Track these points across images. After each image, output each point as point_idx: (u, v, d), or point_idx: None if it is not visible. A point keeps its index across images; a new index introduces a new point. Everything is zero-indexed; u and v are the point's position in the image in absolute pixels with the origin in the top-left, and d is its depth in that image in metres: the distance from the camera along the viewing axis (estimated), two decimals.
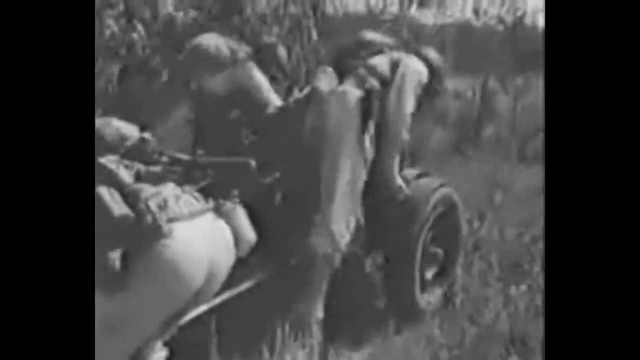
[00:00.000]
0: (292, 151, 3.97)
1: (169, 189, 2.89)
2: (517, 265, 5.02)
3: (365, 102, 4.04)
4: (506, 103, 9.88)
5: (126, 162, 2.91)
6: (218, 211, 3.04)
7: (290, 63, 4.67)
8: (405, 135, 4.16)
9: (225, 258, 3.00)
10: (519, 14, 11.35)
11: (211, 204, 3.03)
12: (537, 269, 4.91)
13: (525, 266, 5.00)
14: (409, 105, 4.15)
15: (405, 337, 4.13)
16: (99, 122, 2.98)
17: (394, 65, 4.20)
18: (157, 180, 2.93)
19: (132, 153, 2.98)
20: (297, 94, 4.82)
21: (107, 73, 5.45)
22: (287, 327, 3.67)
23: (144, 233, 2.69)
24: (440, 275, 4.59)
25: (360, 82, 4.07)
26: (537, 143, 8.69)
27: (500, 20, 11.40)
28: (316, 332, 3.85)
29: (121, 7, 5.87)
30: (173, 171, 3.08)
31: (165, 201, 2.79)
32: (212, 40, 4.14)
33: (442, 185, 4.46)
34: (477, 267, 4.93)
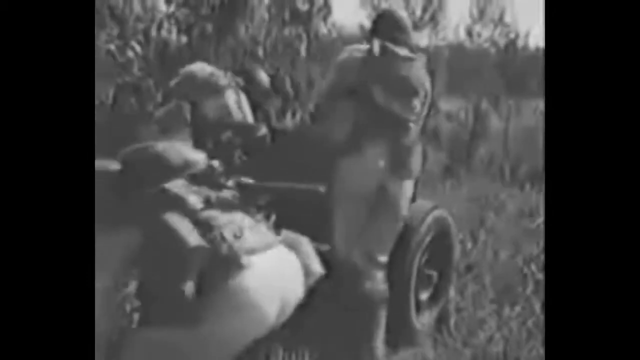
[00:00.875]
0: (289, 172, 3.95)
1: (242, 219, 2.77)
2: (511, 287, 5.03)
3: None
4: (498, 125, 9.93)
5: (194, 187, 2.79)
6: (286, 242, 2.94)
7: (278, 86, 4.63)
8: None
9: (295, 291, 2.90)
10: (511, 36, 11.45)
11: (282, 235, 2.93)
12: (531, 290, 4.92)
13: (519, 288, 5.00)
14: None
15: (400, 359, 4.12)
16: (162, 145, 2.91)
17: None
18: (227, 206, 2.81)
19: (198, 179, 2.86)
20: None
21: (101, 94, 5.47)
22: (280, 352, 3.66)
23: (221, 264, 2.57)
24: (435, 297, 4.59)
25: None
26: (530, 165, 8.72)
27: (493, 42, 11.48)
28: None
29: (115, 30, 5.90)
30: (240, 198, 2.97)
31: (241, 231, 2.67)
32: (206, 68, 4.17)
33: (435, 208, 4.47)
34: (470, 288, 4.93)
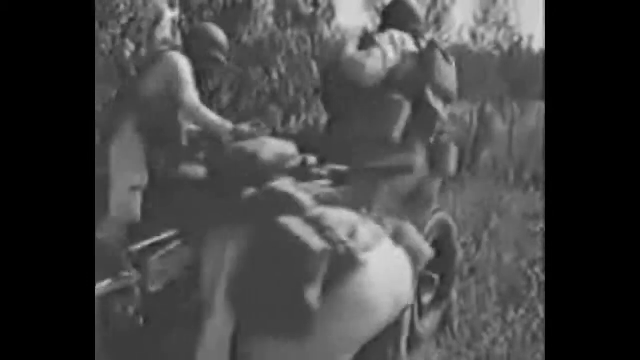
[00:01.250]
0: None
1: (351, 215, 2.69)
2: (515, 290, 5.01)
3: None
4: (503, 127, 9.91)
5: (303, 185, 2.75)
6: (392, 232, 2.86)
7: (230, 45, 4.34)
8: None
9: (405, 285, 2.82)
10: (515, 39, 11.44)
11: (389, 226, 2.85)
12: (535, 293, 4.90)
13: (523, 291, 4.99)
14: None
15: None
16: (253, 144, 2.86)
17: None
18: (334, 202, 2.76)
19: (293, 172, 2.84)
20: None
21: (103, 95, 5.46)
22: None
23: (339, 265, 2.49)
24: (437, 300, 4.57)
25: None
26: (534, 167, 8.71)
27: (497, 45, 11.47)
28: None
29: (118, 30, 5.90)
30: (340, 190, 2.93)
31: (354, 228, 2.58)
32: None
33: (437, 210, 4.45)
34: (474, 291, 4.92)
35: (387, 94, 3.90)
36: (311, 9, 7.18)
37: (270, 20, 6.89)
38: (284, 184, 2.74)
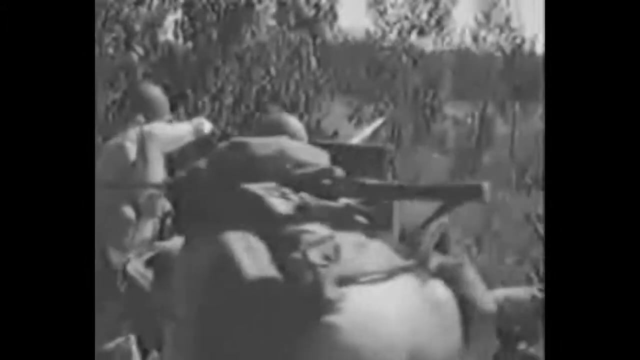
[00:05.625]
0: None
1: (347, 235, 1.88)
2: None
3: None
4: (505, 129, 9.92)
5: (286, 190, 1.92)
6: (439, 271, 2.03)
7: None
8: None
9: (439, 344, 1.93)
10: (517, 41, 11.44)
11: (421, 258, 2.03)
12: None
13: None
14: None
15: None
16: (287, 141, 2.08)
17: None
18: (336, 220, 1.93)
19: (305, 185, 2.00)
20: None
21: (106, 99, 5.47)
22: None
23: (301, 305, 1.73)
24: None
25: None
26: (536, 169, 8.72)
27: (499, 47, 11.48)
28: None
29: (122, 34, 5.90)
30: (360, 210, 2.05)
31: (337, 251, 1.80)
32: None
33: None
34: None
35: None
36: (313, 12, 7.20)
37: (273, 22, 6.90)
38: (260, 187, 1.96)
